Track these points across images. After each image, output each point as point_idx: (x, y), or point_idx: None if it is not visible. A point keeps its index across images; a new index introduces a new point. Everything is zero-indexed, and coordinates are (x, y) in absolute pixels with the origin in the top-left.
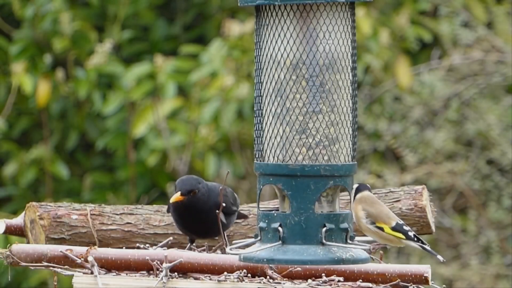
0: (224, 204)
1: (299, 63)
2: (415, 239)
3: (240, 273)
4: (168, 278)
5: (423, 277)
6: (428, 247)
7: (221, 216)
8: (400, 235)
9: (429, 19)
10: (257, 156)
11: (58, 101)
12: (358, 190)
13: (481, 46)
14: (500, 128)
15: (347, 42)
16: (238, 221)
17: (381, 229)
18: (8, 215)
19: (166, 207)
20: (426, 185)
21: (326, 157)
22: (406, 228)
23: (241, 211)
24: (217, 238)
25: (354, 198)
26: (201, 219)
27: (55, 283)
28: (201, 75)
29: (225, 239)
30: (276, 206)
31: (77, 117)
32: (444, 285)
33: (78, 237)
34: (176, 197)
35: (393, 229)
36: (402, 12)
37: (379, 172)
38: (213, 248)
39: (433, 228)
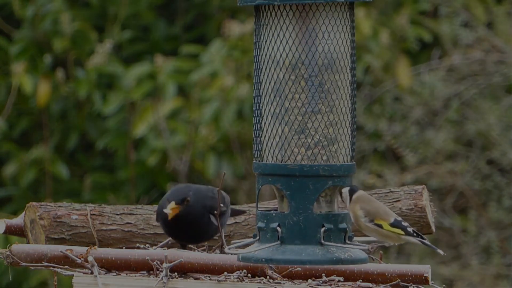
0: (221, 205)
1: (298, 63)
2: (414, 234)
3: (240, 273)
4: (168, 278)
5: (423, 277)
6: (427, 242)
7: (213, 219)
8: (399, 231)
9: (429, 19)
10: (256, 156)
11: (58, 101)
12: (352, 191)
13: (481, 46)
14: (500, 128)
15: (346, 42)
16: (238, 220)
17: (380, 226)
18: (8, 215)
19: None
20: (426, 185)
21: (325, 157)
22: (405, 224)
23: (239, 209)
24: (217, 238)
25: (350, 200)
26: (193, 226)
27: (55, 283)
28: (201, 75)
29: (223, 240)
30: (276, 206)
31: (77, 117)
32: (444, 285)
33: (78, 237)
34: (171, 207)
35: (392, 225)
36: (402, 12)
37: (379, 172)
38: (213, 248)
39: (433, 228)
